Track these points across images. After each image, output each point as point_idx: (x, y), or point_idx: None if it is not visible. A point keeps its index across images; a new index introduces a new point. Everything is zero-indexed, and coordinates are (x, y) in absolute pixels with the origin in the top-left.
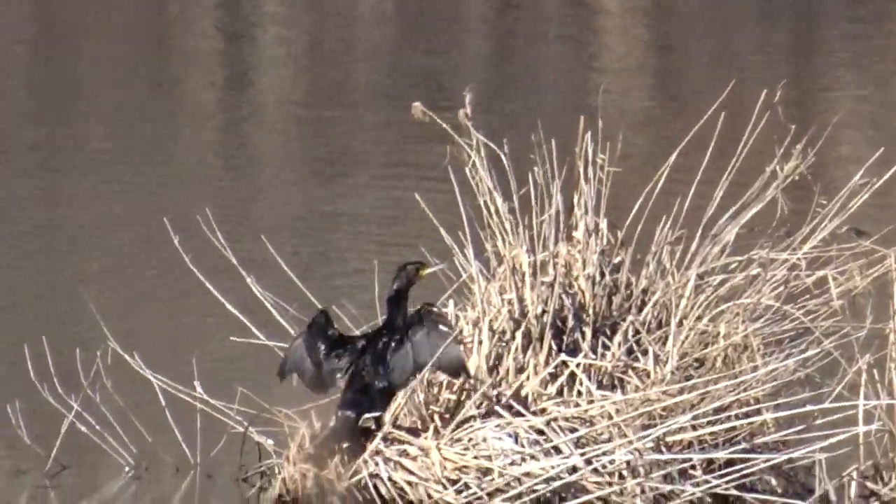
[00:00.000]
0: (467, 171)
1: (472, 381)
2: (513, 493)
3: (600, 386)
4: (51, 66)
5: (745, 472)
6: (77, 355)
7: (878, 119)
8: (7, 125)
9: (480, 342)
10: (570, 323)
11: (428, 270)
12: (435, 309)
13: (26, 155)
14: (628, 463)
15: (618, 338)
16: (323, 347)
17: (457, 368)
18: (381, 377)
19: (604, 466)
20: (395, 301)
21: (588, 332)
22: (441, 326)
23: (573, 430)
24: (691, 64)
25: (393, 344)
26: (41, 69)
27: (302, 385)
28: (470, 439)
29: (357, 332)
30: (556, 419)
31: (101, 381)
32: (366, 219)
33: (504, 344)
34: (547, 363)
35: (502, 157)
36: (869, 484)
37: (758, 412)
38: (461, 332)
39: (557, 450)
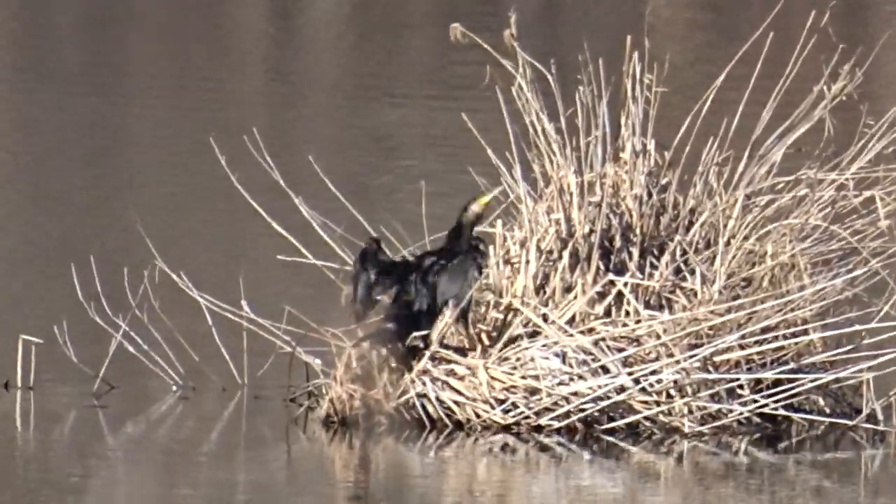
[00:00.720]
0: (514, 91)
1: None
2: (560, 412)
3: (647, 306)
4: None
5: (792, 391)
6: (125, 275)
7: None
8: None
9: (528, 262)
10: (618, 243)
11: (485, 199)
12: (482, 247)
13: (75, 78)
14: (675, 382)
15: (665, 258)
16: (374, 271)
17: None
18: (423, 298)
19: (651, 386)
20: (457, 232)
21: (635, 252)
22: (477, 264)
23: (621, 350)
24: None
25: (437, 268)
26: None
27: (353, 306)
28: (517, 359)
29: (408, 256)
30: (603, 339)
31: (149, 301)
32: (413, 140)
33: (551, 264)
34: (594, 283)
35: (549, 77)
36: None
37: (805, 332)
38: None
39: (605, 369)
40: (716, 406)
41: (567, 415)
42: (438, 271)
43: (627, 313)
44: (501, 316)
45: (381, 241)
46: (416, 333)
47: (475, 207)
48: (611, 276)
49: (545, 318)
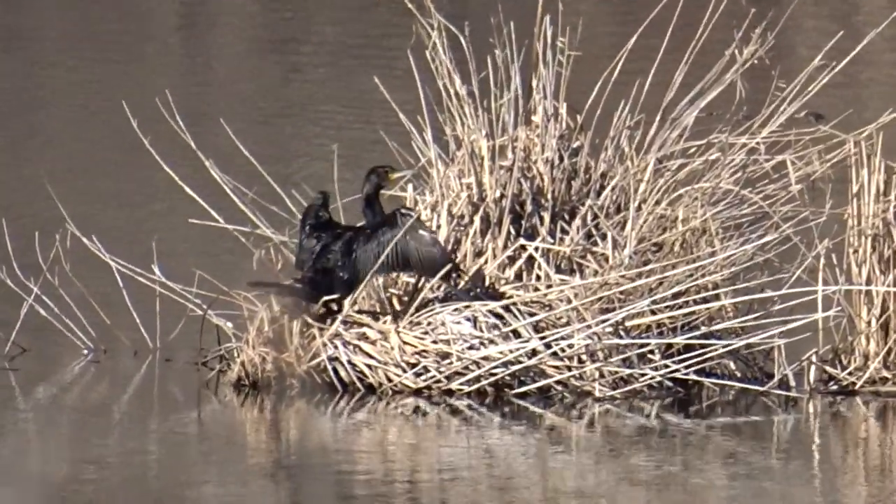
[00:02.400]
0: (427, 53)
1: (458, 278)
2: (471, 376)
3: (559, 270)
4: None
5: (703, 356)
6: (36, 238)
7: (837, 2)
8: None
9: (439, 226)
10: (529, 207)
11: (397, 174)
12: (411, 212)
13: None
14: (587, 347)
15: (576, 222)
16: (308, 227)
17: (437, 270)
18: (344, 268)
19: (563, 350)
20: (369, 205)
21: (546, 216)
22: (422, 231)
23: (532, 315)
24: None
25: (361, 238)
26: None
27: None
28: (429, 323)
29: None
30: (514, 303)
31: (61, 264)
32: (325, 102)
33: (462, 228)
34: (505, 247)
35: (462, 39)
36: (828, 368)
37: (716, 297)
38: (438, 235)
39: (516, 334)
40: (627, 371)
41: (478, 379)
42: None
43: (538, 278)
44: (413, 280)
45: (329, 197)
46: (326, 298)
47: (384, 177)
48: (522, 241)
49: (456, 282)
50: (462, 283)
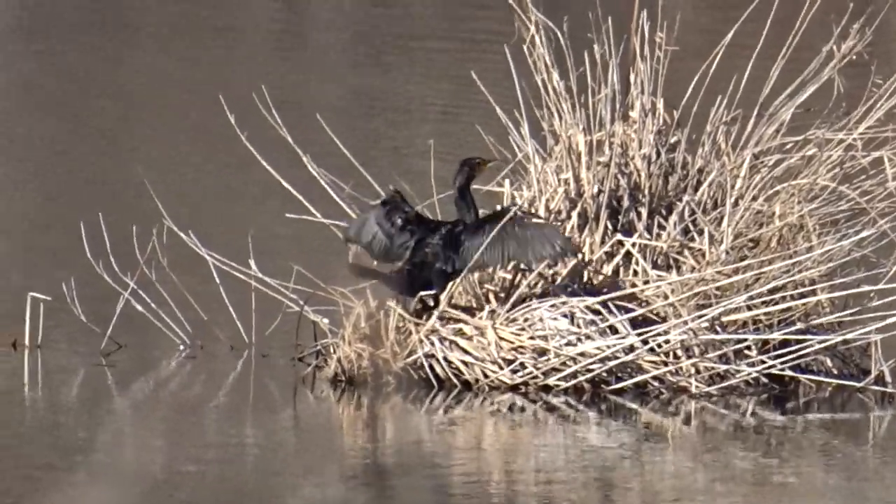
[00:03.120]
0: (525, 48)
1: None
2: (568, 372)
3: (655, 266)
4: None
5: (800, 352)
6: (133, 233)
7: None
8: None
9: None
10: (626, 203)
11: (489, 164)
12: (518, 208)
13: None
14: (683, 343)
15: (673, 218)
16: (399, 221)
17: (557, 254)
18: (448, 261)
19: (659, 346)
20: (462, 197)
21: (644, 211)
22: (534, 220)
23: (628, 311)
24: None
25: (467, 231)
26: None
27: (365, 256)
28: (525, 319)
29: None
30: (612, 299)
31: (157, 259)
32: (422, 97)
33: (560, 223)
34: (603, 242)
35: (560, 35)
36: None
37: (813, 293)
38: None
39: (613, 329)
40: (723, 367)
41: (574, 375)
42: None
43: (636, 273)
44: (509, 276)
45: (403, 194)
46: (423, 293)
47: (476, 167)
48: (619, 237)
49: (554, 278)
50: (568, 268)
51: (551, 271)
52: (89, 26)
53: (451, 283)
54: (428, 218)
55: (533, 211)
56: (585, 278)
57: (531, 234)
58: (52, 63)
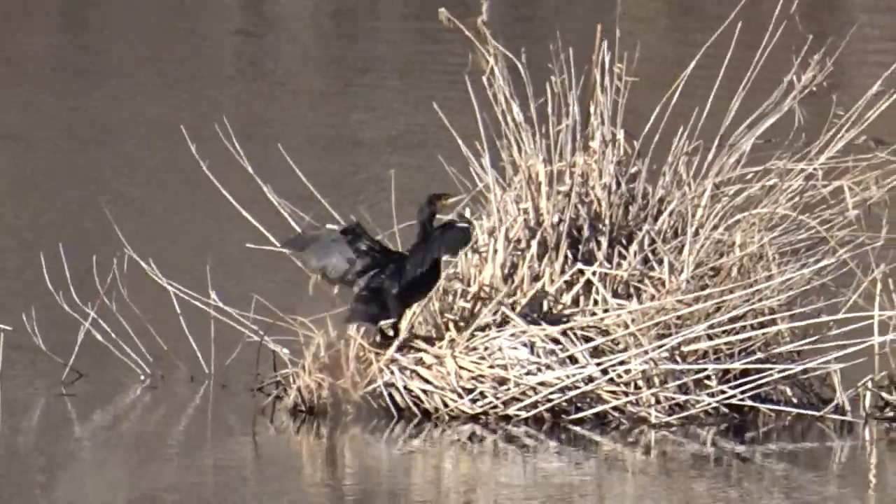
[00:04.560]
0: (485, 79)
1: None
2: (528, 402)
3: (616, 295)
4: None
5: (759, 382)
6: (93, 263)
7: None
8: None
9: (496, 251)
10: (586, 232)
11: (451, 200)
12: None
13: (43, 65)
14: (644, 372)
15: (634, 247)
16: (363, 247)
17: (458, 245)
18: (397, 282)
19: (619, 376)
20: (422, 230)
21: (604, 241)
22: (457, 224)
23: (589, 340)
24: None
25: (411, 256)
26: None
27: (319, 285)
28: (486, 348)
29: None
30: (571, 328)
31: (118, 288)
32: (382, 127)
33: (519, 253)
34: (563, 272)
35: (519, 66)
36: (884, 394)
37: (773, 322)
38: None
39: (573, 359)
40: (683, 397)
41: (535, 405)
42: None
43: (596, 302)
44: (469, 305)
45: (361, 225)
46: (383, 323)
47: (435, 204)
48: (579, 265)
49: (513, 307)
50: (518, 307)
51: (511, 300)
52: (52, 59)
53: (408, 310)
54: (388, 248)
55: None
56: (545, 307)
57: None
58: (14, 95)
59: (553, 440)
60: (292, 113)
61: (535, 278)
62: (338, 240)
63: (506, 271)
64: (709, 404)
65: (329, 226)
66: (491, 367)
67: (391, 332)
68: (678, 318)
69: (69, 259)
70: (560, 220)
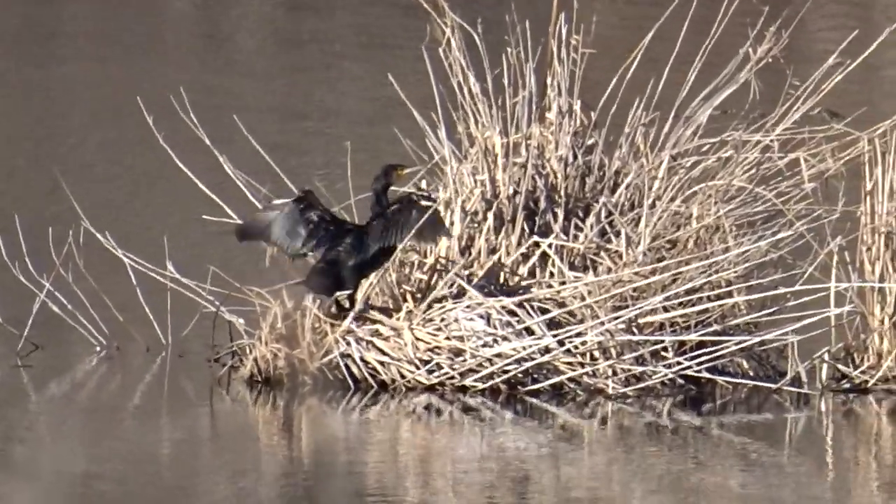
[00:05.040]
0: (441, 51)
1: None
2: (484, 373)
3: (572, 267)
4: None
5: (716, 354)
6: (49, 234)
7: (852, 0)
8: None
9: (452, 223)
10: (543, 204)
11: (406, 171)
12: (416, 197)
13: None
14: (600, 344)
15: (590, 219)
16: (315, 217)
17: (434, 234)
18: (355, 255)
19: (576, 347)
20: (378, 201)
21: (560, 213)
22: (422, 202)
23: (545, 312)
24: None
25: (371, 226)
26: None
27: (275, 257)
28: (442, 319)
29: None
30: (528, 300)
31: (73, 260)
32: (339, 99)
33: (476, 225)
34: (519, 244)
35: (476, 37)
36: (840, 366)
37: (729, 294)
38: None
39: (529, 331)
40: (640, 368)
41: (491, 376)
42: (372, 228)
43: (552, 275)
44: (426, 277)
45: (314, 194)
46: (339, 293)
47: (392, 174)
48: (535, 238)
49: (470, 279)
50: (475, 278)
51: (467, 272)
52: (9, 30)
53: (364, 281)
54: (342, 219)
55: (426, 195)
56: (502, 279)
57: (416, 219)
58: None
59: (509, 411)
60: (249, 85)
61: (492, 251)
62: (291, 211)
63: (462, 243)
64: (665, 376)
65: (277, 200)
66: (447, 338)
67: (347, 304)
68: (635, 290)
69: (24, 231)
70: (516, 193)
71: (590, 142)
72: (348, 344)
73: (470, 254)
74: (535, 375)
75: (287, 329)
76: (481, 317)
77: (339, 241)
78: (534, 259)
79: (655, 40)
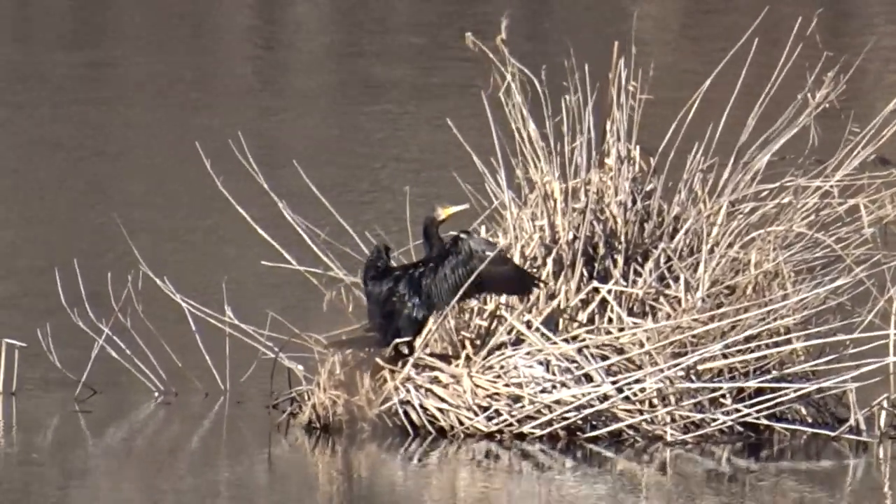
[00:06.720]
0: (501, 97)
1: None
2: (543, 420)
3: (631, 313)
4: None
5: (775, 401)
6: (108, 279)
7: None
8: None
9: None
10: (602, 250)
11: (452, 210)
12: (468, 232)
13: (57, 80)
14: (659, 391)
15: (649, 265)
16: (370, 279)
17: (518, 285)
18: (417, 307)
19: (634, 394)
20: (426, 238)
21: (619, 259)
22: (483, 245)
23: (604, 358)
24: None
25: (426, 271)
26: None
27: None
28: (501, 366)
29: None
30: (587, 346)
31: (132, 305)
32: (398, 144)
33: (535, 270)
34: (578, 290)
35: (536, 83)
36: None
37: (788, 341)
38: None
39: (588, 377)
40: (699, 415)
41: (550, 423)
42: (426, 276)
43: (611, 321)
44: (485, 323)
45: (388, 249)
46: (398, 340)
47: (437, 214)
48: (595, 284)
49: (529, 325)
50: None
51: (526, 318)
52: (67, 76)
53: (423, 329)
54: (394, 266)
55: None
56: (561, 325)
57: (502, 273)
58: (30, 107)
59: (568, 458)
60: (307, 129)
61: (551, 296)
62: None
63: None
64: (724, 422)
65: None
66: (506, 385)
67: (405, 350)
68: (693, 336)
69: (84, 276)
70: (575, 238)
71: (649, 187)
72: (407, 391)
73: (529, 300)
74: (594, 422)
75: (346, 375)
76: (540, 363)
77: (395, 290)
78: (593, 305)
79: (714, 86)
